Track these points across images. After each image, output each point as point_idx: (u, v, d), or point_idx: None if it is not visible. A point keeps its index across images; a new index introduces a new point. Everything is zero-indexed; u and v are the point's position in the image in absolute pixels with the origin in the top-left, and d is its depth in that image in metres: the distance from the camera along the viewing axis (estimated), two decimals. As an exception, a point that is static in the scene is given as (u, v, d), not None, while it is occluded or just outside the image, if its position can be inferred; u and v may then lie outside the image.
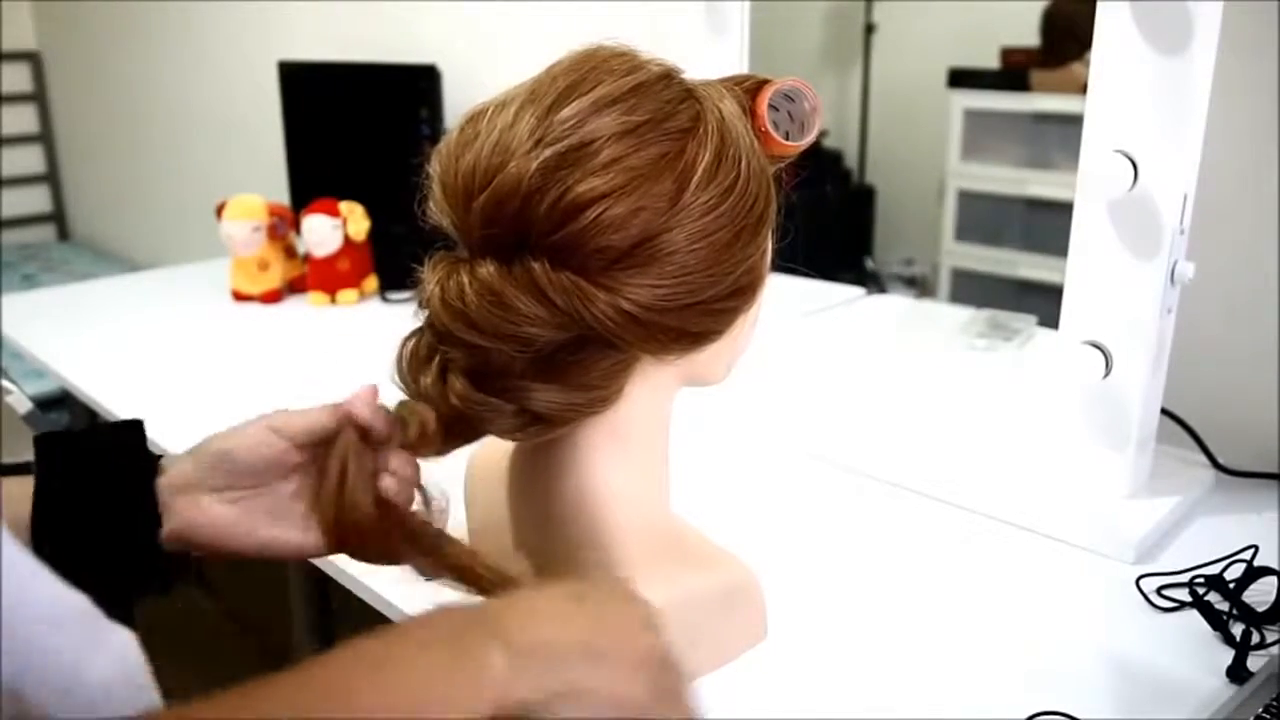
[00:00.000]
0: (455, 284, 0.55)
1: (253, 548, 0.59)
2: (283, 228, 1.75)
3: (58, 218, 3.72)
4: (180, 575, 0.62)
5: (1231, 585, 0.83)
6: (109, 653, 0.43)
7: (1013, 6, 1.74)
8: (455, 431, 0.58)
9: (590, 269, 0.53)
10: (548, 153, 0.52)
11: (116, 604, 0.46)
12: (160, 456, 0.62)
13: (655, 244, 0.53)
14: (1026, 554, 0.92)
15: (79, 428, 0.71)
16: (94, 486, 0.60)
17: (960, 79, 1.79)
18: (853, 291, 1.56)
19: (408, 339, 0.59)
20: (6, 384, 1.42)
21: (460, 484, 0.75)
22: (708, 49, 1.24)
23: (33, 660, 0.40)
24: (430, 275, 0.56)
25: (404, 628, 0.44)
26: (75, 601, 0.43)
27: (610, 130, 0.53)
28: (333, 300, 1.72)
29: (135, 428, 0.63)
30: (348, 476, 0.55)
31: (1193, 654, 0.78)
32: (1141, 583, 0.86)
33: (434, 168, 0.57)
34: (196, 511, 0.59)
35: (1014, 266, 1.78)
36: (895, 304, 1.57)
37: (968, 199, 1.83)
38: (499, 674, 0.43)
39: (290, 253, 1.78)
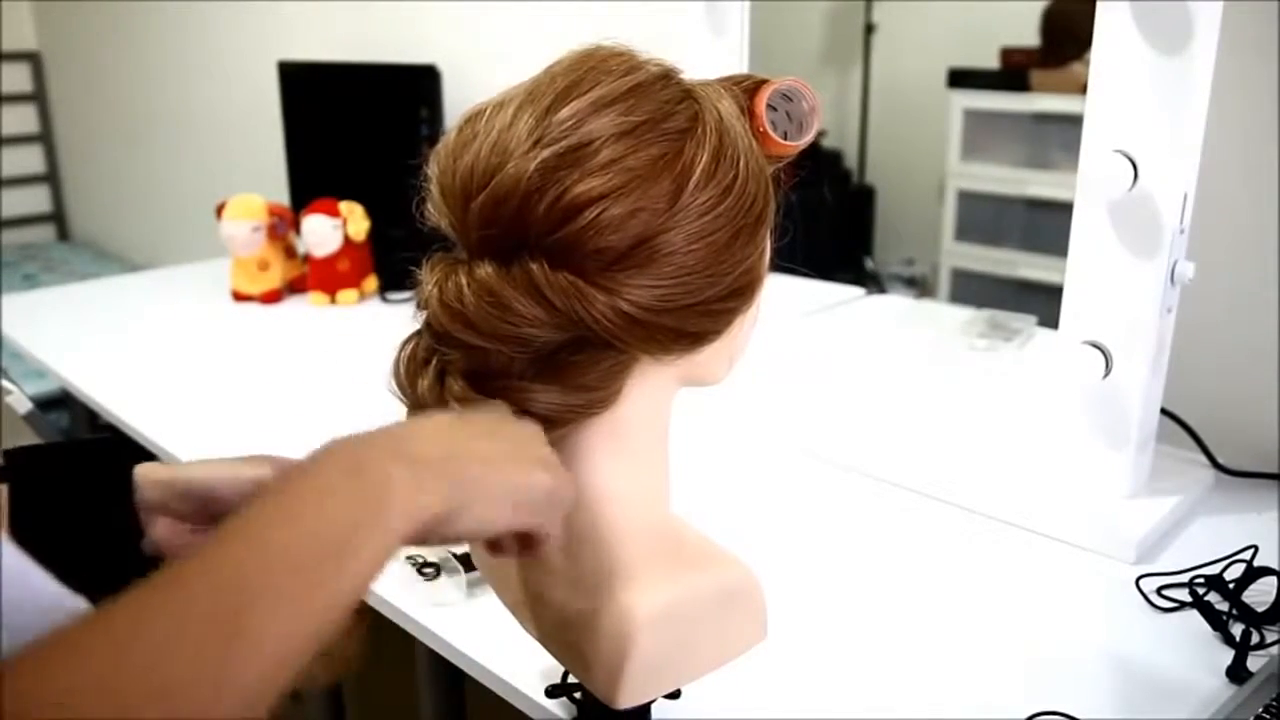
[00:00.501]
0: (453, 285, 0.54)
1: None
2: (283, 228, 1.75)
3: (58, 218, 3.72)
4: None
5: (1231, 585, 0.83)
6: None
7: (1013, 6, 1.73)
8: None
9: (589, 270, 0.53)
10: (546, 153, 0.52)
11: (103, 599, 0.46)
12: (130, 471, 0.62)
13: (654, 244, 0.53)
14: (1027, 554, 0.92)
15: (56, 440, 0.71)
16: (72, 500, 0.61)
17: (960, 79, 1.79)
18: (853, 291, 1.56)
19: (405, 343, 0.59)
20: (6, 384, 1.42)
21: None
22: (708, 49, 1.24)
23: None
24: (428, 276, 0.56)
25: (300, 474, 0.44)
26: (74, 605, 0.43)
27: (609, 131, 0.53)
28: (333, 300, 1.72)
29: (111, 445, 0.64)
30: None
31: (1193, 654, 0.78)
32: (1141, 583, 0.86)
33: (432, 168, 0.57)
34: (170, 533, 0.60)
35: (1014, 266, 1.78)
36: (895, 304, 1.57)
37: (968, 199, 1.83)
38: (403, 486, 0.44)
39: (290, 253, 1.78)
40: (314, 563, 0.40)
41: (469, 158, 0.54)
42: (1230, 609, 0.80)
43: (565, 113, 0.53)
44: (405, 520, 0.44)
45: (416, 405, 0.57)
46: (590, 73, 0.55)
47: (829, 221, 1.85)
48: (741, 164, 0.56)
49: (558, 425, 0.57)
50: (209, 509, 0.60)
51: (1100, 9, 0.85)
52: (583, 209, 0.52)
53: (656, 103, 0.55)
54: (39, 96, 3.58)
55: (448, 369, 0.56)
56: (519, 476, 0.50)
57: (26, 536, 0.59)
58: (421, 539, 0.45)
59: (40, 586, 0.43)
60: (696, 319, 0.56)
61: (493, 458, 0.49)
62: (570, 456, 0.60)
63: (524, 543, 0.53)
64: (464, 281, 0.54)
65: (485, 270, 0.54)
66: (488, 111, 0.56)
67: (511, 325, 0.53)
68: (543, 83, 0.55)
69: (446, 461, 0.47)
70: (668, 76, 0.57)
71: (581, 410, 0.57)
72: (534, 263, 0.53)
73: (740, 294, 0.58)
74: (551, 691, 0.70)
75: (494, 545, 0.53)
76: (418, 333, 0.58)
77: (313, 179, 1.95)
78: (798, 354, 1.32)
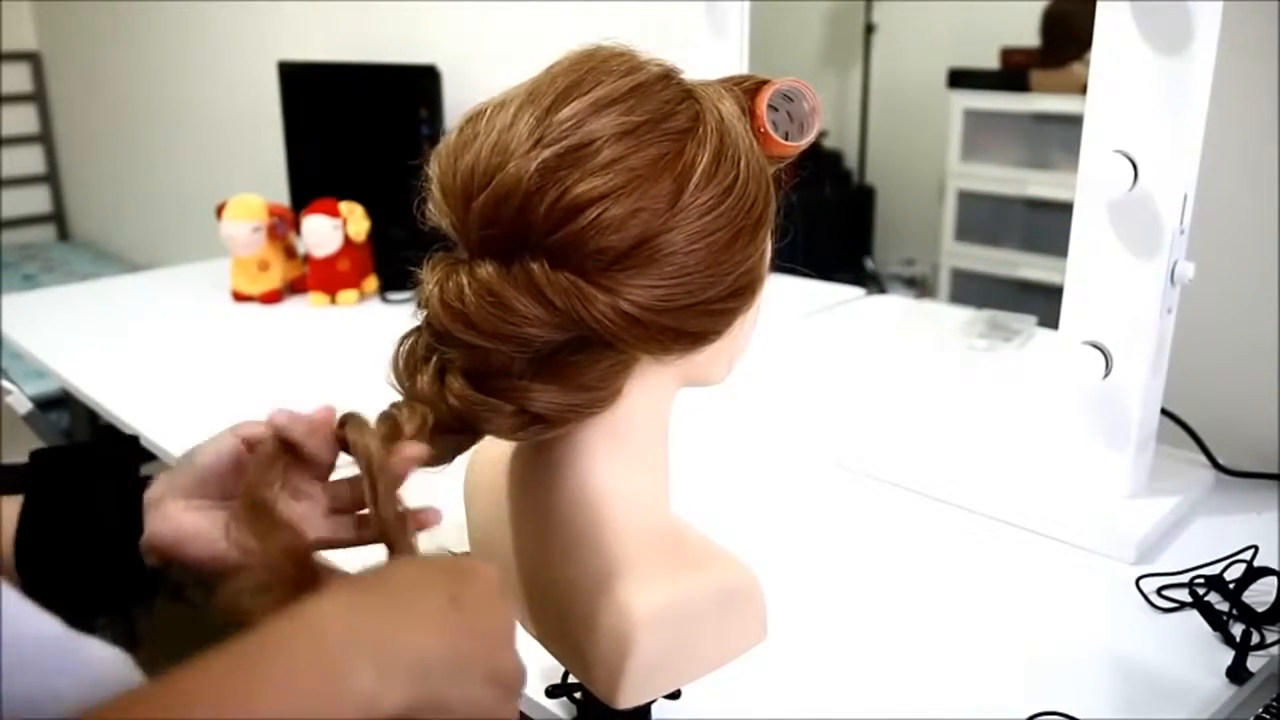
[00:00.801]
0: (454, 284, 0.54)
1: (210, 559, 0.60)
2: (283, 228, 1.75)
3: (58, 218, 3.72)
4: (155, 588, 0.62)
5: (1231, 585, 0.83)
6: (81, 676, 0.43)
7: (1013, 6, 1.74)
8: (450, 434, 0.58)
9: (589, 270, 0.53)
10: (547, 153, 0.52)
11: (108, 615, 0.46)
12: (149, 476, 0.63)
13: (654, 244, 0.53)
14: (1027, 554, 0.92)
15: (76, 441, 0.71)
16: (83, 500, 0.61)
17: (960, 79, 1.79)
18: (853, 291, 1.56)
19: (404, 339, 0.59)
20: (6, 384, 1.42)
21: (459, 485, 0.75)
22: (708, 49, 1.24)
23: (8, 689, 0.40)
24: (429, 276, 0.56)
25: (269, 645, 0.42)
26: (47, 628, 0.43)
27: (609, 131, 0.53)
28: (333, 300, 1.72)
29: (130, 442, 0.64)
30: (251, 490, 0.54)
31: (1193, 654, 0.78)
32: (1141, 583, 0.86)
33: (433, 168, 0.57)
34: (162, 522, 0.60)
35: (1014, 266, 1.78)
36: (895, 304, 1.57)
37: (968, 199, 1.83)
38: (368, 689, 0.42)
39: (290, 253, 1.78)
40: None
41: (470, 158, 0.54)
42: (1230, 609, 0.81)
43: (566, 113, 0.53)
44: (358, 717, 0.42)
45: (413, 398, 0.57)
46: (591, 73, 0.55)
47: (829, 221, 1.85)
48: (742, 164, 0.56)
49: (558, 425, 0.57)
50: (197, 479, 0.61)
51: (1100, 9, 0.85)
52: (583, 209, 0.52)
53: (657, 103, 0.55)
54: (39, 96, 3.58)
55: (448, 367, 0.56)
56: (471, 697, 0.47)
57: (37, 541, 0.59)
58: None
59: (37, 625, 0.43)
60: (697, 319, 0.56)
61: (462, 665, 0.46)
62: (570, 456, 0.60)
63: None
64: (465, 281, 0.54)
65: (486, 270, 0.54)
66: (488, 111, 0.56)
67: (512, 325, 0.53)
68: (543, 83, 0.55)
69: (419, 668, 0.44)
70: (668, 77, 0.57)
71: (582, 410, 0.57)
72: (535, 262, 0.53)
73: (741, 294, 0.58)
74: (551, 691, 0.70)
75: None
76: (417, 328, 0.58)
77: (313, 179, 1.95)
78: (797, 354, 1.32)
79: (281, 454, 0.57)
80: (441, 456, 0.58)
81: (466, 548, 0.74)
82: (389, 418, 0.56)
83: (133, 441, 0.65)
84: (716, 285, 0.56)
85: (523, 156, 0.53)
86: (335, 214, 1.68)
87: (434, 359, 0.57)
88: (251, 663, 0.41)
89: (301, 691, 0.41)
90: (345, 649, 0.43)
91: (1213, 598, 0.83)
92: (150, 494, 0.61)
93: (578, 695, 0.69)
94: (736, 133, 0.57)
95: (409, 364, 0.58)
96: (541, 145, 0.52)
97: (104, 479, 0.62)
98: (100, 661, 0.44)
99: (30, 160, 3.60)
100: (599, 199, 0.52)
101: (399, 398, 0.58)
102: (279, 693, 0.40)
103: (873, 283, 1.70)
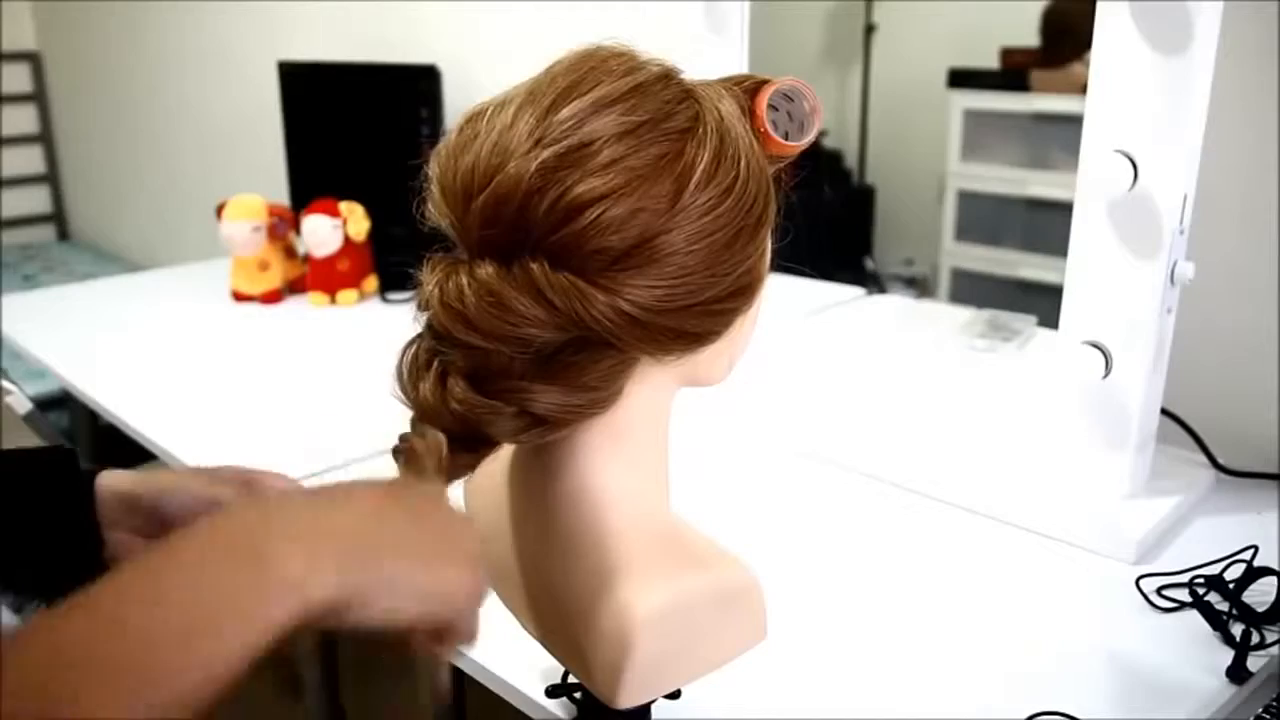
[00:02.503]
0: (454, 285, 0.54)
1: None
2: (283, 228, 1.75)
3: (58, 218, 3.72)
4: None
5: (1231, 585, 0.83)
6: None
7: (1013, 6, 1.73)
8: (461, 454, 0.57)
9: (589, 270, 0.53)
10: (547, 153, 0.52)
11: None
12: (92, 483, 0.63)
13: (654, 245, 0.53)
14: (1026, 554, 0.92)
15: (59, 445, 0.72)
16: (31, 512, 0.61)
17: (960, 79, 1.79)
18: (853, 291, 1.56)
19: (407, 346, 0.59)
20: (6, 384, 1.42)
21: (459, 485, 0.75)
22: (708, 49, 1.24)
23: None
24: (429, 276, 0.56)
25: (181, 542, 0.40)
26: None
27: (609, 131, 0.53)
28: (333, 300, 1.72)
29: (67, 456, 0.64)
30: None
31: (1193, 654, 0.78)
32: (1141, 583, 0.86)
33: (433, 168, 0.57)
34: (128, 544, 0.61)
35: (1014, 266, 1.78)
36: (895, 304, 1.57)
37: (968, 199, 1.83)
38: (293, 568, 0.40)
39: (290, 253, 1.78)
40: (170, 646, 0.37)
41: (470, 158, 0.54)
42: (1230, 609, 0.81)
43: (566, 113, 0.53)
44: (288, 606, 0.40)
45: (418, 408, 0.57)
46: (591, 73, 0.55)
47: (829, 221, 1.85)
48: (742, 164, 0.56)
49: (558, 426, 0.57)
50: (159, 523, 0.61)
51: (1100, 9, 0.85)
52: (583, 209, 0.52)
53: (657, 103, 0.55)
54: (39, 96, 3.58)
55: (449, 370, 0.56)
56: (433, 574, 0.46)
57: None
58: (314, 624, 0.41)
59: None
60: (697, 319, 0.56)
61: (410, 551, 0.46)
62: (570, 456, 0.60)
63: (435, 639, 0.48)
64: (465, 282, 0.54)
65: (486, 270, 0.54)
66: (488, 111, 0.56)
67: (512, 325, 0.53)
68: (543, 83, 0.55)
69: (354, 548, 0.43)
70: (668, 76, 0.57)
71: (582, 410, 0.57)
72: (535, 263, 0.53)
73: (741, 294, 0.58)
74: (551, 691, 0.71)
75: (401, 640, 0.48)
76: (420, 335, 0.58)
77: (313, 179, 1.95)
78: (798, 354, 1.32)
79: None
80: (456, 473, 0.58)
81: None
82: (410, 457, 0.55)
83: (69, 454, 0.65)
84: (716, 285, 0.56)
85: (523, 157, 0.53)
86: (335, 214, 1.68)
87: (435, 364, 0.57)
88: (163, 555, 0.40)
89: (218, 580, 0.39)
90: (268, 535, 0.41)
91: (1212, 598, 0.83)
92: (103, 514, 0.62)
93: (578, 695, 0.69)
94: (736, 133, 0.57)
95: (412, 373, 0.58)
96: (541, 145, 0.52)
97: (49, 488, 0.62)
98: None
99: (30, 160, 3.60)
100: (599, 199, 0.52)
101: (400, 405, 0.58)
102: (191, 583, 0.39)
103: (873, 283, 1.70)
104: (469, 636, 0.50)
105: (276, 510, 0.43)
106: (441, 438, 0.55)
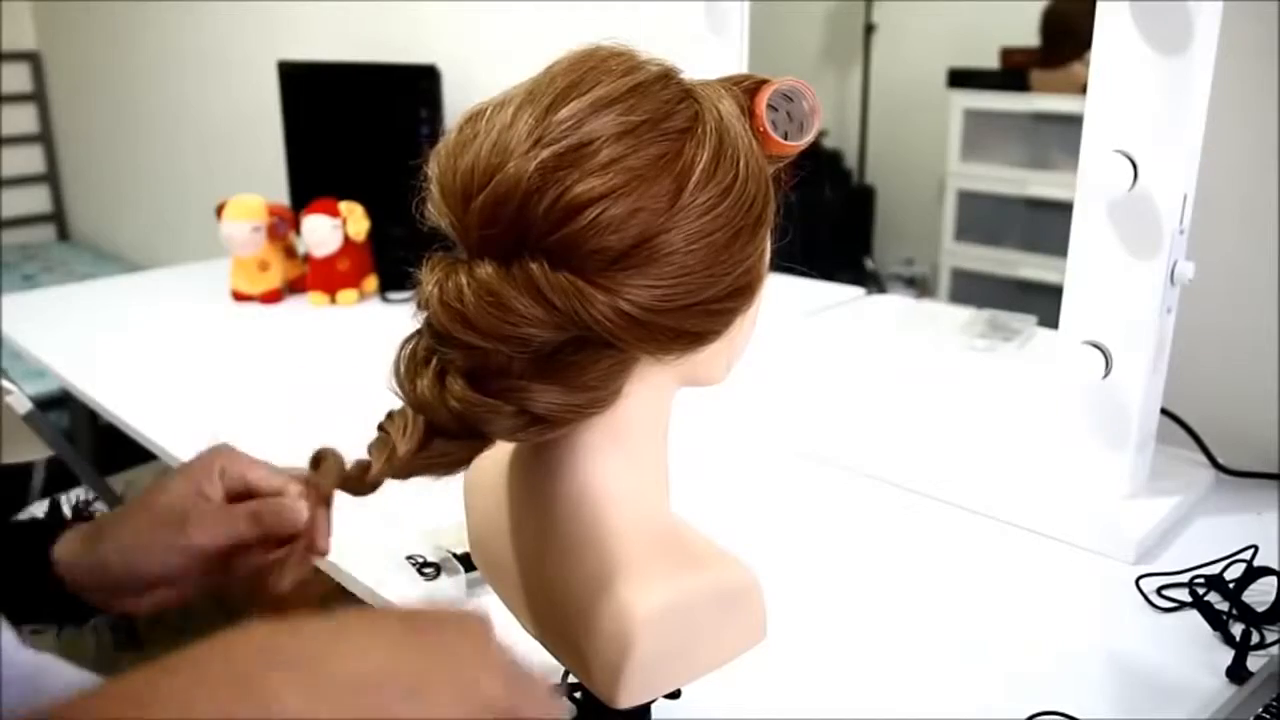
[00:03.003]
0: (454, 285, 0.54)
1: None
2: (283, 228, 1.75)
3: (58, 218, 3.72)
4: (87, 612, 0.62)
5: (1231, 585, 0.83)
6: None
7: (1013, 6, 1.73)
8: (455, 440, 0.57)
9: (589, 269, 0.53)
10: (546, 153, 0.52)
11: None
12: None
13: (654, 244, 0.53)
14: (1026, 554, 0.92)
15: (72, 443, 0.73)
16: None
17: (960, 79, 1.78)
18: (853, 291, 1.56)
19: (405, 342, 0.59)
20: (6, 384, 1.42)
21: (459, 485, 0.75)
22: (708, 49, 1.24)
23: None
24: (428, 276, 0.56)
25: (174, 663, 0.37)
26: (24, 660, 0.43)
27: (609, 131, 0.53)
28: (332, 300, 1.72)
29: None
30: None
31: (1193, 654, 0.78)
32: (1141, 583, 0.86)
33: (432, 168, 0.57)
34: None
35: (1014, 266, 1.77)
36: (895, 304, 1.57)
37: (968, 199, 1.83)
38: (295, 711, 0.36)
39: (290, 253, 1.78)
40: None
41: (469, 157, 0.54)
42: (1230, 609, 0.81)
43: (565, 113, 0.53)
44: None
45: (416, 404, 0.57)
46: (590, 72, 0.55)
47: (829, 221, 1.85)
48: (742, 164, 0.56)
49: (558, 425, 0.57)
50: (128, 588, 0.60)
51: (1100, 9, 0.85)
52: (583, 209, 0.52)
53: (657, 102, 0.55)
54: (39, 96, 3.58)
55: (448, 369, 0.56)
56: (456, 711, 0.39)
57: None
58: None
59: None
60: (696, 319, 0.56)
61: (422, 687, 0.39)
62: (569, 456, 0.60)
63: None
64: (464, 281, 0.54)
65: (485, 270, 0.54)
66: (488, 111, 0.56)
67: (512, 325, 0.53)
68: (543, 83, 0.55)
69: (360, 691, 0.38)
70: (668, 76, 0.57)
71: (582, 410, 0.57)
72: (534, 262, 0.53)
73: (740, 294, 0.58)
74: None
75: None
76: (418, 332, 0.58)
77: (313, 179, 1.95)
78: (798, 354, 1.32)
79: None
80: (452, 463, 0.58)
81: (466, 548, 0.74)
82: (382, 440, 0.56)
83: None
84: (716, 285, 0.56)
85: (522, 156, 0.53)
86: (335, 214, 1.68)
87: (434, 362, 0.57)
88: (155, 680, 0.36)
89: (213, 712, 0.36)
90: (264, 668, 0.37)
91: (1213, 597, 0.83)
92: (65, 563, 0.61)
93: (578, 695, 0.69)
94: (736, 132, 0.57)
95: (410, 368, 0.58)
96: (541, 145, 0.52)
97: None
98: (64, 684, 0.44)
99: (30, 160, 3.60)
100: (598, 199, 0.52)
101: (398, 398, 0.58)
102: (181, 708, 0.35)
103: (873, 282, 1.70)
104: None
105: (270, 638, 0.39)
106: (420, 422, 0.56)
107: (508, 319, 0.53)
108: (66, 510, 0.67)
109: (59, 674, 0.46)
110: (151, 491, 0.61)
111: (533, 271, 0.53)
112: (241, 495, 0.61)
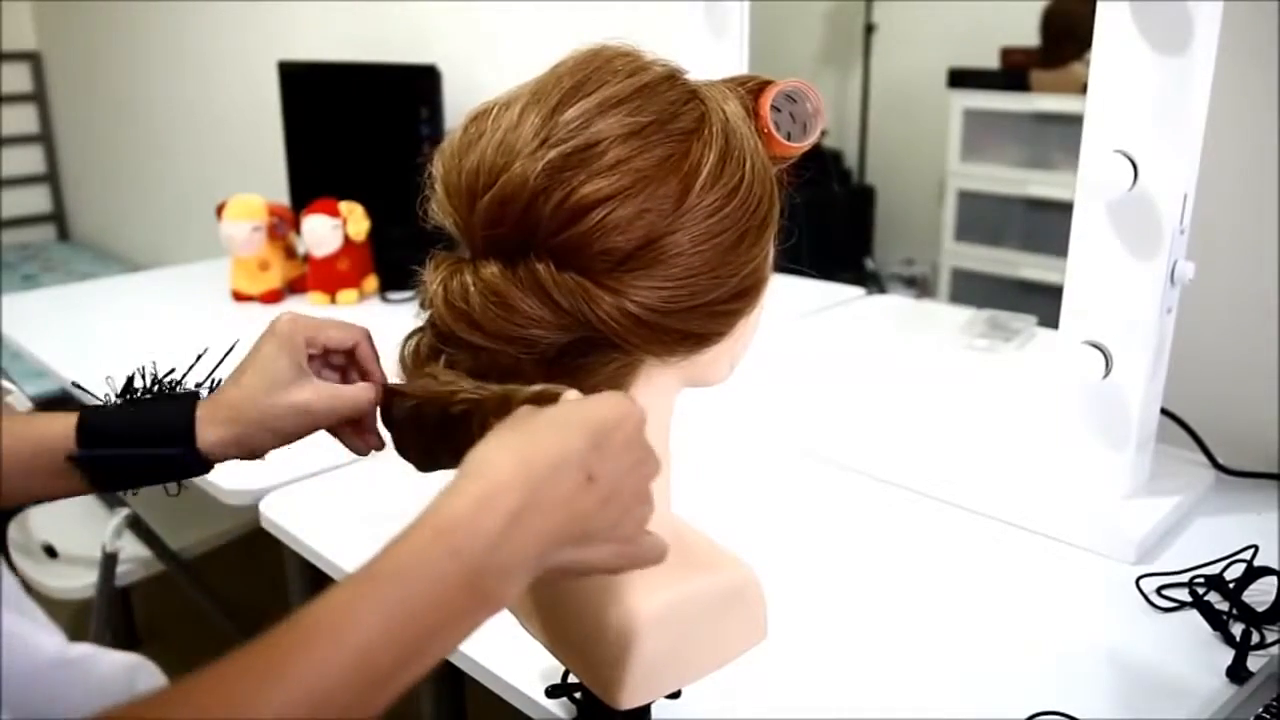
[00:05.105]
0: (459, 284, 0.54)
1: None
2: (283, 228, 1.75)
3: (58, 218, 3.72)
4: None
5: (1231, 585, 0.83)
6: (89, 689, 0.43)
7: (1013, 6, 1.73)
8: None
9: (595, 270, 0.53)
10: (553, 154, 0.52)
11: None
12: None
13: (660, 246, 0.53)
14: (1026, 554, 0.92)
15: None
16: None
17: (960, 79, 1.79)
18: (853, 291, 1.56)
19: (408, 338, 0.59)
20: (6, 384, 1.42)
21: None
22: (708, 49, 1.24)
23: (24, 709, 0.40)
24: (433, 275, 0.56)
25: (399, 553, 0.44)
26: (52, 648, 0.44)
27: (615, 131, 0.53)
28: (333, 300, 1.72)
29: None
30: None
31: (1193, 654, 0.78)
32: (1141, 583, 0.86)
33: (437, 167, 0.57)
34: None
35: (1014, 266, 1.78)
36: (895, 304, 1.57)
37: (968, 199, 1.83)
38: (509, 601, 0.45)
39: (290, 253, 1.78)
40: (388, 662, 0.42)
41: (474, 157, 0.54)
42: (1230, 609, 0.81)
43: (572, 113, 0.53)
44: (490, 616, 0.45)
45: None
46: (596, 73, 0.55)
47: (829, 221, 1.85)
48: (748, 165, 0.56)
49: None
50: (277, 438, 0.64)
51: (1100, 9, 0.85)
52: (590, 210, 0.52)
53: (663, 103, 0.55)
54: (39, 96, 3.58)
55: (453, 367, 0.56)
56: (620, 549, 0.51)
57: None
58: None
59: (34, 638, 0.43)
60: (702, 320, 0.56)
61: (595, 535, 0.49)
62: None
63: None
64: (469, 281, 0.54)
65: (491, 270, 0.54)
66: (493, 111, 0.56)
67: (517, 326, 0.53)
68: (549, 83, 0.55)
69: (543, 557, 0.46)
70: (674, 77, 0.57)
71: (585, 410, 0.57)
72: (540, 263, 0.53)
73: (745, 295, 0.58)
74: (551, 691, 0.71)
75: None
76: (421, 328, 0.58)
77: (313, 179, 1.95)
78: (798, 354, 1.32)
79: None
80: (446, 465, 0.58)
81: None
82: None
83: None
84: (722, 286, 0.56)
85: (528, 156, 0.52)
86: (335, 214, 1.68)
87: (440, 359, 0.57)
88: (383, 573, 0.43)
89: (440, 607, 0.43)
90: (498, 575, 0.44)
91: (1213, 597, 0.83)
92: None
93: (578, 695, 0.69)
94: (742, 134, 0.57)
95: (414, 367, 0.58)
96: (548, 145, 0.52)
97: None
98: (101, 672, 0.44)
99: (30, 160, 3.60)
100: (605, 200, 0.52)
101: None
102: (417, 599, 0.43)
103: (873, 282, 1.70)
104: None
105: (497, 540, 0.44)
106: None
107: (513, 319, 0.53)
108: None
109: (112, 662, 0.47)
110: (254, 371, 0.65)
111: (539, 272, 0.53)
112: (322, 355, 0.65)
